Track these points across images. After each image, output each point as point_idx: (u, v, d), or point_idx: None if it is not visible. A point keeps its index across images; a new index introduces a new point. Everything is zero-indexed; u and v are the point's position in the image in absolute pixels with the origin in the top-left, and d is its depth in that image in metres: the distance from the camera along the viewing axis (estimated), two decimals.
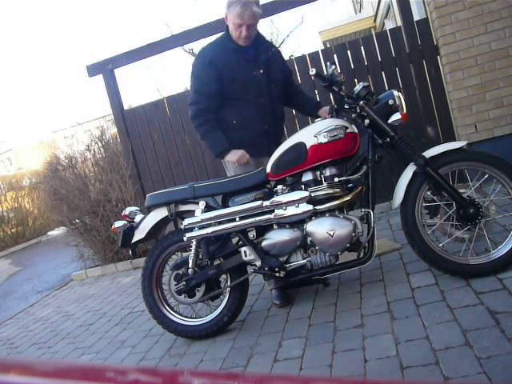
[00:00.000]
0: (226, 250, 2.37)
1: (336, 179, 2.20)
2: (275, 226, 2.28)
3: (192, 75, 2.58)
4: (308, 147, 2.20)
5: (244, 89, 2.48)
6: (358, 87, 2.25)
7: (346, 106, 2.27)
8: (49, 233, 11.03)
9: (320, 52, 4.13)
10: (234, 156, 2.51)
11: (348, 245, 2.17)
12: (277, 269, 2.24)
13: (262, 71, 2.49)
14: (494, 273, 2.12)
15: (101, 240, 4.91)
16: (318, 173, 2.24)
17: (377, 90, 3.75)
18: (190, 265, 2.37)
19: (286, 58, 4.37)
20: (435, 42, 3.84)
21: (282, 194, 2.24)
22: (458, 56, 3.68)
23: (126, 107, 4.79)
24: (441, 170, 2.18)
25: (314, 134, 2.19)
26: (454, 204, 2.17)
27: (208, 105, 2.52)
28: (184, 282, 2.37)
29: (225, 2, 2.46)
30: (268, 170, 2.31)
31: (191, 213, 2.39)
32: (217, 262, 2.39)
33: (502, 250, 2.14)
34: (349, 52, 4.07)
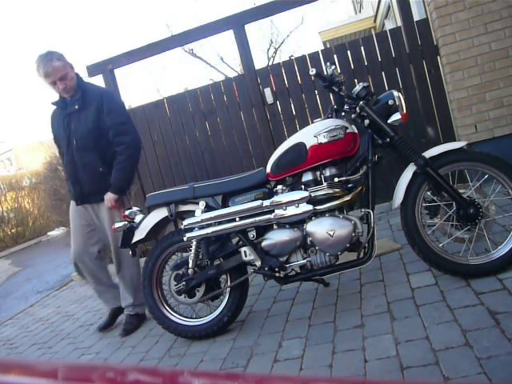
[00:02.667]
0: (226, 250, 2.37)
1: (336, 179, 2.20)
2: (275, 226, 2.27)
3: None
4: (308, 147, 2.19)
5: (59, 142, 2.84)
6: (358, 87, 2.25)
7: (345, 107, 2.27)
8: (49, 233, 11.02)
9: (320, 52, 4.13)
10: None
11: (348, 245, 2.17)
12: (277, 269, 2.24)
13: (63, 124, 2.76)
14: (494, 273, 2.12)
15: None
16: (317, 173, 2.24)
17: (377, 91, 3.76)
18: (190, 265, 2.37)
19: (286, 58, 4.37)
20: (435, 43, 3.84)
21: (282, 194, 2.24)
22: (458, 56, 3.68)
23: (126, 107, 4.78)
24: (441, 170, 2.18)
25: (313, 134, 2.19)
26: (454, 204, 2.17)
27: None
28: (184, 282, 2.38)
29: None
30: (268, 170, 2.31)
31: (191, 213, 2.39)
32: (217, 262, 2.39)
33: (502, 250, 2.14)
34: (349, 52, 4.07)
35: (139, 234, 2.47)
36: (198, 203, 2.37)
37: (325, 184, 2.20)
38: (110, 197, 2.71)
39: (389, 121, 2.20)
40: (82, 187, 2.76)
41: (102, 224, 2.86)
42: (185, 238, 2.34)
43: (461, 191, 2.19)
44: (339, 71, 2.38)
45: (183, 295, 2.40)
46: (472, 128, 3.71)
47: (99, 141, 2.69)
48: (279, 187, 2.27)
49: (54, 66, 2.59)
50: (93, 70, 4.56)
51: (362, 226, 2.18)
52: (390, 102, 2.21)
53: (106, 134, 2.70)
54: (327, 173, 2.22)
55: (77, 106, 2.68)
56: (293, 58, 4.23)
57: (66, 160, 2.78)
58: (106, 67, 4.52)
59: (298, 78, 4.16)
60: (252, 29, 22.95)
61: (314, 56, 4.11)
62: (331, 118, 2.28)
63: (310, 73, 2.20)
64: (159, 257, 2.48)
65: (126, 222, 2.49)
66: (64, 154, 2.79)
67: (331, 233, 2.13)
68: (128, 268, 2.90)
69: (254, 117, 4.29)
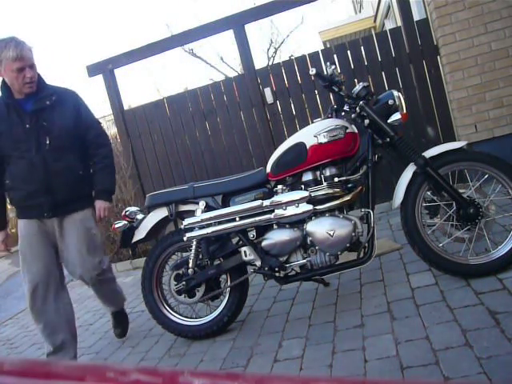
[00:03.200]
0: (226, 250, 2.37)
1: (336, 179, 2.20)
2: (275, 226, 2.27)
3: None
4: (308, 147, 2.19)
5: (13, 144, 2.28)
6: (358, 87, 2.25)
7: (345, 106, 2.27)
8: None
9: (320, 52, 4.13)
10: None
11: (348, 245, 2.17)
12: (277, 269, 2.24)
13: (30, 122, 2.27)
14: (494, 273, 2.12)
15: (101, 240, 4.89)
16: (317, 173, 2.24)
17: (377, 90, 3.76)
18: (190, 265, 2.37)
19: (286, 58, 4.37)
20: (435, 42, 3.84)
21: (282, 193, 2.24)
22: (457, 56, 3.68)
23: (125, 107, 4.79)
24: (441, 170, 2.18)
25: (313, 134, 2.19)
26: (454, 204, 2.17)
27: None
28: (184, 282, 2.38)
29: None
30: (268, 169, 2.31)
31: (191, 213, 2.39)
32: (217, 262, 2.40)
33: (502, 250, 2.14)
34: (349, 52, 4.07)
35: (139, 234, 2.47)
36: (197, 203, 2.37)
37: (325, 184, 2.20)
38: (105, 205, 2.47)
39: (389, 121, 2.20)
40: (54, 195, 2.31)
41: (70, 238, 2.44)
42: (185, 238, 2.34)
43: (461, 191, 2.19)
44: (339, 71, 2.38)
45: (183, 295, 2.40)
46: (472, 128, 3.71)
47: (76, 141, 2.41)
48: (279, 187, 2.27)
49: (29, 49, 2.24)
50: (93, 69, 4.56)
51: (361, 225, 2.18)
52: (390, 102, 2.21)
53: (82, 135, 2.44)
54: (327, 173, 2.22)
55: (48, 102, 2.30)
56: (293, 57, 4.24)
57: (32, 164, 2.28)
58: (106, 67, 4.52)
59: (298, 78, 4.16)
60: (252, 29, 22.95)
61: (313, 56, 4.12)
62: (331, 117, 2.28)
63: (310, 72, 2.20)
64: (159, 257, 2.48)
65: (126, 222, 2.49)
66: (20, 159, 2.29)
67: (331, 232, 2.13)
68: (104, 285, 2.70)
69: (254, 117, 4.29)
